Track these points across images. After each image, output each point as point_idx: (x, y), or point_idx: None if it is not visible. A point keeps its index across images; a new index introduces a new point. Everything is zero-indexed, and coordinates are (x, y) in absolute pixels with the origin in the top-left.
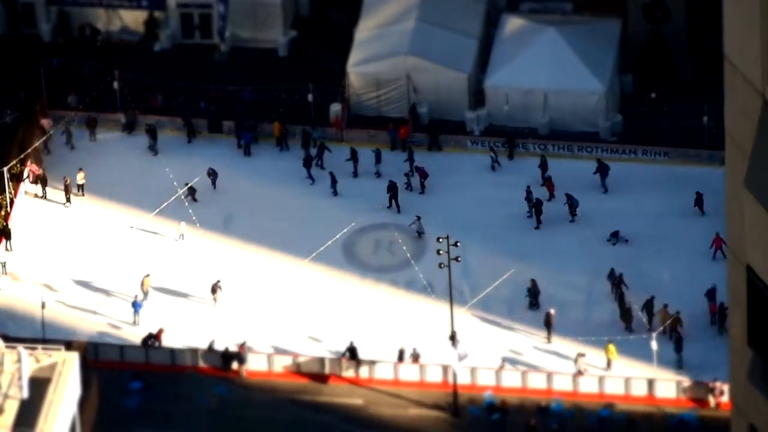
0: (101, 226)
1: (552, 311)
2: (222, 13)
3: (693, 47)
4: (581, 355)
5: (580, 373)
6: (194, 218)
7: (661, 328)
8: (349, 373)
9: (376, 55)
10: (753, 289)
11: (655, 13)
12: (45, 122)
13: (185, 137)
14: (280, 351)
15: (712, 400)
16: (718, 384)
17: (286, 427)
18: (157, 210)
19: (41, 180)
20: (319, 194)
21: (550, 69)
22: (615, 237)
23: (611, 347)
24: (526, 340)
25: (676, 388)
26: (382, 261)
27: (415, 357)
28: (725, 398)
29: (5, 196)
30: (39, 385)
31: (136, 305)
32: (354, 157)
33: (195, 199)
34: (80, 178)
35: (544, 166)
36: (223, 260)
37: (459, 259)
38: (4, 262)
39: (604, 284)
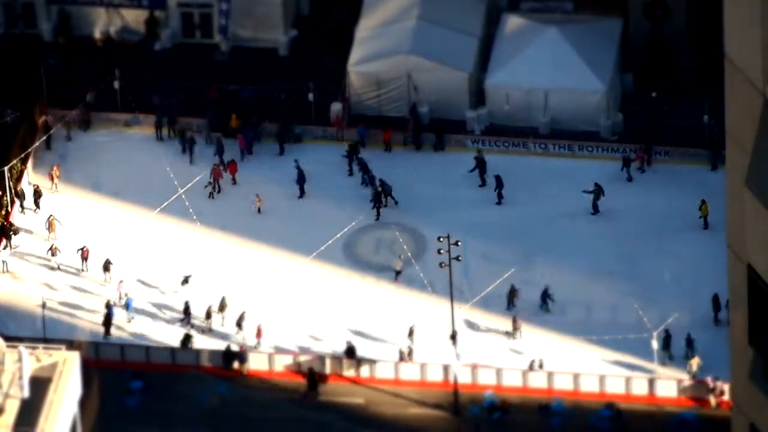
0: (102, 224)
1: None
2: (224, 9)
3: (694, 46)
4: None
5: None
6: (194, 217)
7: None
8: (349, 372)
9: (377, 54)
10: (754, 288)
11: (655, 12)
12: (47, 119)
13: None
14: (280, 350)
15: (713, 400)
16: (719, 384)
17: (286, 427)
18: (160, 208)
19: (36, 193)
20: (320, 193)
21: (550, 68)
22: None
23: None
24: (527, 339)
25: (676, 387)
26: (383, 260)
27: (409, 353)
28: (726, 397)
29: (6, 196)
30: (40, 385)
31: (128, 304)
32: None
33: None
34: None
35: (220, 150)
36: (223, 259)
37: (460, 258)
38: (5, 261)
39: (604, 281)
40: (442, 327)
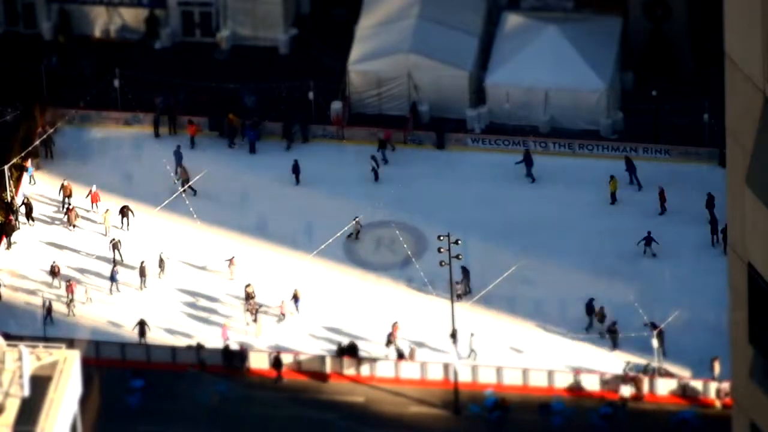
0: (103, 226)
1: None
2: (212, 13)
3: (694, 45)
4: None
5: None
6: (195, 216)
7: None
8: (350, 371)
9: (377, 53)
10: (754, 286)
11: (655, 10)
12: (46, 121)
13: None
14: (281, 349)
15: (717, 402)
16: (723, 386)
17: (287, 425)
18: (162, 205)
19: (27, 207)
20: (321, 191)
21: (551, 67)
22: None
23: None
24: (527, 338)
25: (677, 386)
26: (383, 259)
27: (411, 353)
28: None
29: (6, 195)
30: (40, 383)
31: (113, 276)
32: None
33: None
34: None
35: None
36: (223, 258)
37: (460, 256)
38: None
39: (604, 280)
40: (443, 326)
